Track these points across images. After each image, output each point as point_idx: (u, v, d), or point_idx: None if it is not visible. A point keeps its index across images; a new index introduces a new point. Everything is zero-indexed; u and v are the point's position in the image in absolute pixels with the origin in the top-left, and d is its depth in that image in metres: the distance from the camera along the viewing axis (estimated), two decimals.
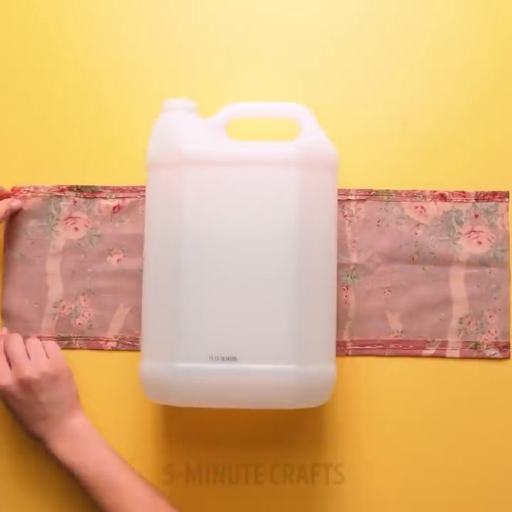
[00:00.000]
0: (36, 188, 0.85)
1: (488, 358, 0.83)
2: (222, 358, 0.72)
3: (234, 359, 0.73)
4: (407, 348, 0.83)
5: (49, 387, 0.78)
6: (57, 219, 0.85)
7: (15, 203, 0.84)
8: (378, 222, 0.84)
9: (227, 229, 0.74)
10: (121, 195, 0.85)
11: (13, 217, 0.85)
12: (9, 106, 0.88)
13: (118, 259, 0.84)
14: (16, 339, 0.81)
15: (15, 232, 0.85)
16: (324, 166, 0.76)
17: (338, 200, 0.80)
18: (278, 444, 0.83)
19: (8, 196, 0.84)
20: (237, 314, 0.73)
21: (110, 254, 0.84)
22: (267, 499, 0.83)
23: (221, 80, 0.87)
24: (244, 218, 0.74)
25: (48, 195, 0.85)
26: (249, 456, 0.82)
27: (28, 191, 0.85)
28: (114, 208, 0.85)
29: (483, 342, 0.83)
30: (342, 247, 0.83)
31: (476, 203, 0.84)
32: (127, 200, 0.85)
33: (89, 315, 0.84)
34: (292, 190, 0.74)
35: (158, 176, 0.76)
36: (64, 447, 0.78)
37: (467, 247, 0.84)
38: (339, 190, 0.80)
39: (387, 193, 0.84)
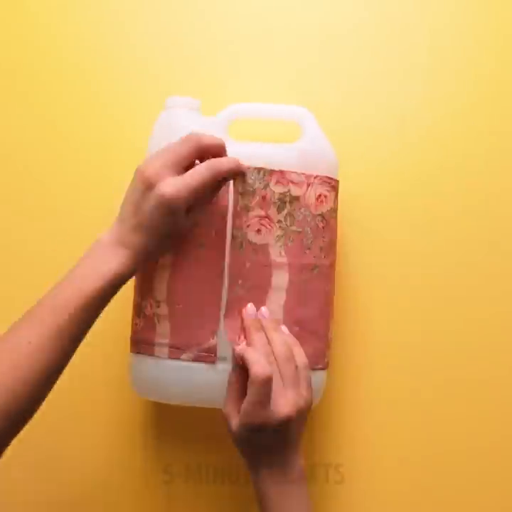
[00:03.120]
0: None
1: None
2: None
3: (224, 359, 0.73)
4: None
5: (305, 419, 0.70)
6: None
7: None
8: None
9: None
10: None
11: None
12: (9, 104, 0.88)
13: None
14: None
15: None
16: (324, 171, 0.75)
17: None
18: None
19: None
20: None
21: None
22: None
23: (221, 80, 0.87)
24: None
25: None
26: None
27: None
28: None
29: None
30: None
31: None
32: None
33: None
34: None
35: None
36: (281, 488, 0.69)
37: None
38: None
39: None
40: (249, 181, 0.72)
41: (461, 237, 0.85)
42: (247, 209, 0.72)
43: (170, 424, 0.84)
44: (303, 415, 0.69)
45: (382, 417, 0.83)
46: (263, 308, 0.72)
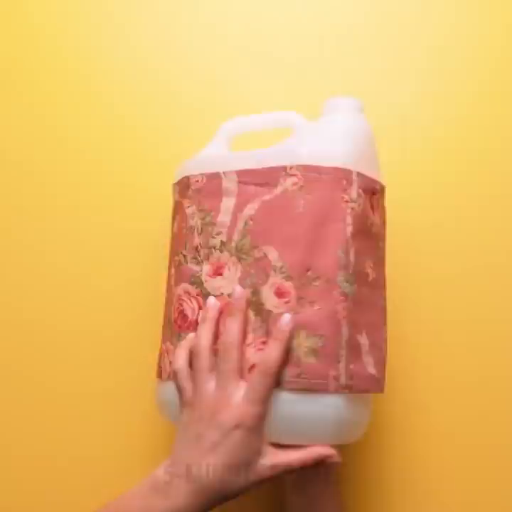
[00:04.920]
0: None
1: None
2: None
3: None
4: None
5: None
6: None
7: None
8: None
9: None
10: None
11: None
12: (9, 104, 0.89)
13: None
14: None
15: None
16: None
17: None
18: None
19: None
20: None
21: None
22: (266, 499, 0.83)
23: (221, 80, 0.88)
24: None
25: None
26: None
27: None
28: None
29: None
30: None
31: None
32: None
33: None
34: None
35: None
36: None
37: None
38: None
39: None
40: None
41: (461, 236, 0.85)
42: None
43: (171, 424, 0.84)
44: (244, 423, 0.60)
45: (381, 417, 0.84)
46: (237, 288, 0.62)
